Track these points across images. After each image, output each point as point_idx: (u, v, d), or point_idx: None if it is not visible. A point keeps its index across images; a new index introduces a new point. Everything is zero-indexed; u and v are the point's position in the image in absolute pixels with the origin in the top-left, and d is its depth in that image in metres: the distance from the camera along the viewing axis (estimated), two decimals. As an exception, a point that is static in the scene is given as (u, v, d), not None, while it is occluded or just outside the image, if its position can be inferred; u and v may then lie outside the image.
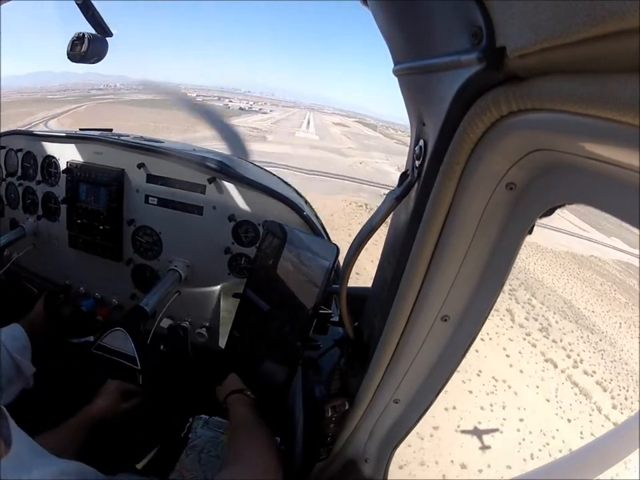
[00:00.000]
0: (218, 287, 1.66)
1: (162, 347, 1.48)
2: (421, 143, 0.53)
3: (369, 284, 0.88)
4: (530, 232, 0.46)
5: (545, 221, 0.44)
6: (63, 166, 1.70)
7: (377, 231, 0.63)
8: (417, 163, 0.54)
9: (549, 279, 26.46)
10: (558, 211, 0.41)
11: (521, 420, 15.29)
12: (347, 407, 0.83)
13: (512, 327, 20.30)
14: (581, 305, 24.61)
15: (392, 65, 0.59)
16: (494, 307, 0.54)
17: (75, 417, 1.07)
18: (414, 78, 0.54)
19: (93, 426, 1.08)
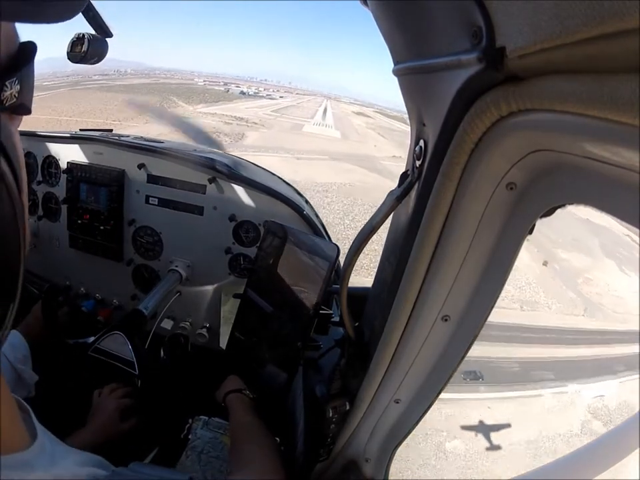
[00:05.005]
0: (219, 287, 1.66)
1: (162, 354, 1.47)
2: (421, 143, 0.53)
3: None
4: (530, 232, 0.46)
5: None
6: (63, 166, 1.70)
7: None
8: (417, 163, 0.54)
9: None
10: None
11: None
12: (347, 407, 0.83)
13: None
14: None
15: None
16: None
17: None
18: (414, 78, 0.54)
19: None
